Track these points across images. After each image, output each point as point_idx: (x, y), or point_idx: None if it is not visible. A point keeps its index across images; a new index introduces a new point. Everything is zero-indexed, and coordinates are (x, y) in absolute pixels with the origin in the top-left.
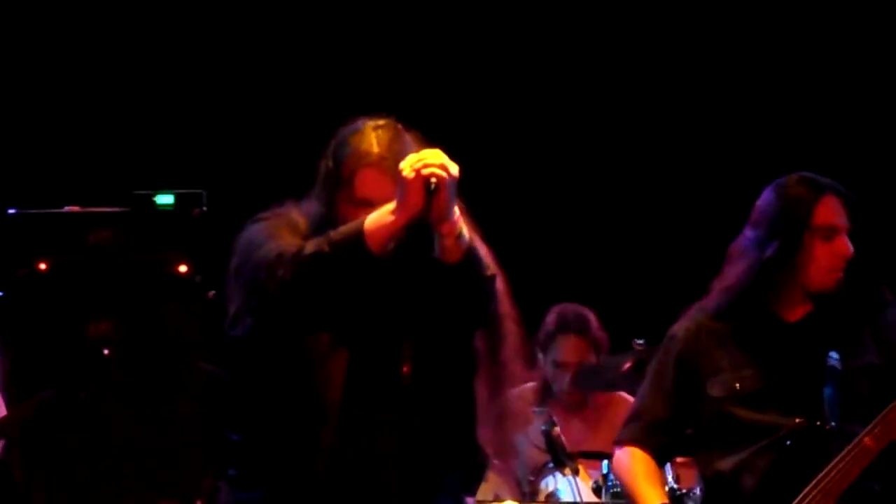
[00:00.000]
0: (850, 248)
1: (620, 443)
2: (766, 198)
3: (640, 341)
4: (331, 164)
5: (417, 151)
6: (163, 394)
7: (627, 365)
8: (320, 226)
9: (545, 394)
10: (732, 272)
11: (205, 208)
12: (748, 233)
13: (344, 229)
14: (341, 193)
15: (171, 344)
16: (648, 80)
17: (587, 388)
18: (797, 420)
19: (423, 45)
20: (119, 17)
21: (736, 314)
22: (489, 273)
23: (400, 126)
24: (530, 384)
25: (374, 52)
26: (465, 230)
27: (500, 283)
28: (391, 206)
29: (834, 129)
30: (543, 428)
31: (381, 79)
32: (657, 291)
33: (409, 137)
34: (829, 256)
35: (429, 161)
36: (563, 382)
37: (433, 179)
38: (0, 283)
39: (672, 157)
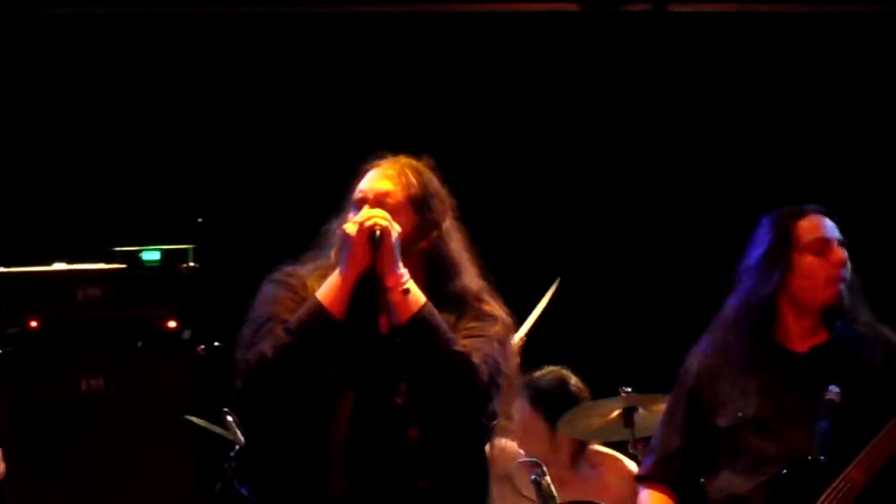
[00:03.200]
0: (844, 254)
1: (640, 479)
2: (756, 230)
3: (628, 389)
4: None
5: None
6: (154, 448)
7: (616, 412)
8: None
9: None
10: (735, 306)
11: (192, 264)
12: (744, 265)
13: (299, 314)
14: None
15: (161, 399)
16: (647, 126)
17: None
18: (793, 452)
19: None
20: (108, 71)
21: (743, 346)
22: (454, 347)
23: (406, 163)
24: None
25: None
26: (416, 290)
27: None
28: (337, 273)
29: (829, 162)
30: (533, 477)
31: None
32: (645, 339)
33: (410, 177)
34: (823, 268)
35: (371, 215)
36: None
37: (377, 230)
38: None
39: (664, 199)
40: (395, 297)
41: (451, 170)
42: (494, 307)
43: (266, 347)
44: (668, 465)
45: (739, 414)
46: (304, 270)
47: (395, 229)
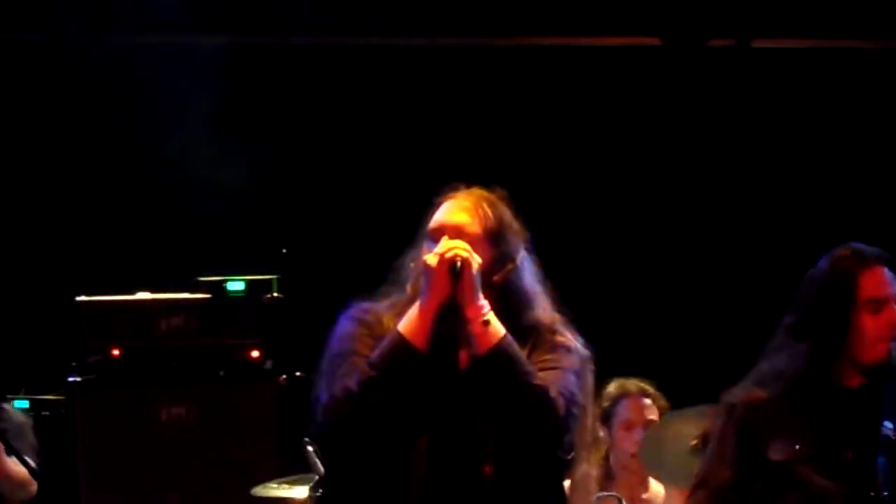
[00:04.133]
0: None
1: None
2: (815, 272)
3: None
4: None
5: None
6: (234, 479)
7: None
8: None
9: (607, 477)
10: (788, 349)
11: (276, 294)
12: (798, 307)
13: (382, 347)
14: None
15: (242, 428)
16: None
17: (652, 467)
18: (850, 487)
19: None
20: (197, 101)
21: (796, 382)
22: (534, 380)
23: (481, 195)
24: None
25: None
26: (496, 322)
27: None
28: (417, 305)
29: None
30: None
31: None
32: (714, 358)
33: (486, 209)
34: (877, 328)
35: (452, 246)
36: (632, 443)
37: (458, 261)
38: (74, 370)
39: (748, 232)
40: (476, 328)
41: (525, 202)
42: (569, 339)
43: (351, 382)
44: (723, 498)
45: (796, 447)
46: (380, 307)
47: (476, 260)
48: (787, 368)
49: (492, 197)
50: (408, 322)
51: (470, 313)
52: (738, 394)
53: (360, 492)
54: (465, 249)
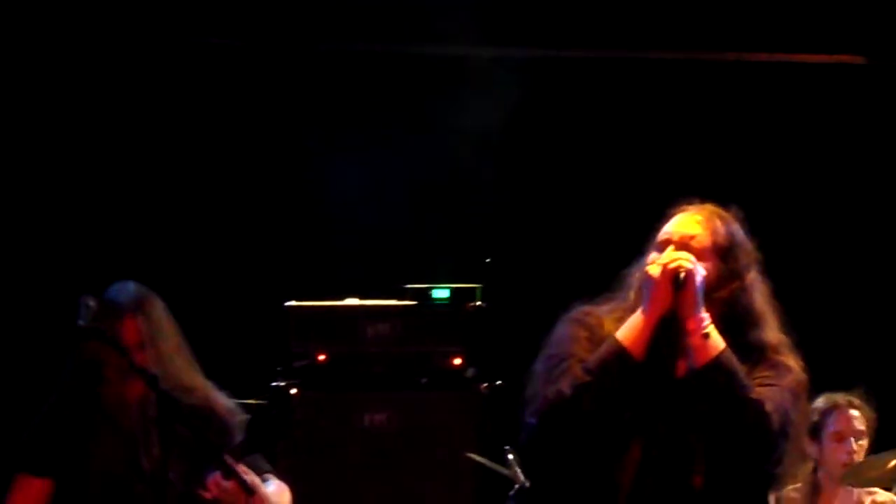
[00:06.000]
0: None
1: None
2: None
3: None
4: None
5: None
6: (434, 486)
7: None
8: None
9: (815, 491)
10: None
11: (479, 303)
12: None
13: (598, 353)
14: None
15: (442, 435)
16: None
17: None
18: None
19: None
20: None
21: None
22: (750, 394)
23: (713, 211)
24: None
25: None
26: (716, 335)
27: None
28: (637, 314)
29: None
30: None
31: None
32: None
33: (717, 224)
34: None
35: (676, 257)
36: (844, 453)
37: (681, 272)
38: (278, 374)
39: None
40: (695, 340)
41: (758, 222)
42: (790, 360)
43: (565, 386)
44: None
45: None
46: (601, 311)
47: (700, 273)
48: None
49: (726, 214)
50: (627, 330)
51: (690, 325)
52: None
53: (567, 499)
54: (689, 261)
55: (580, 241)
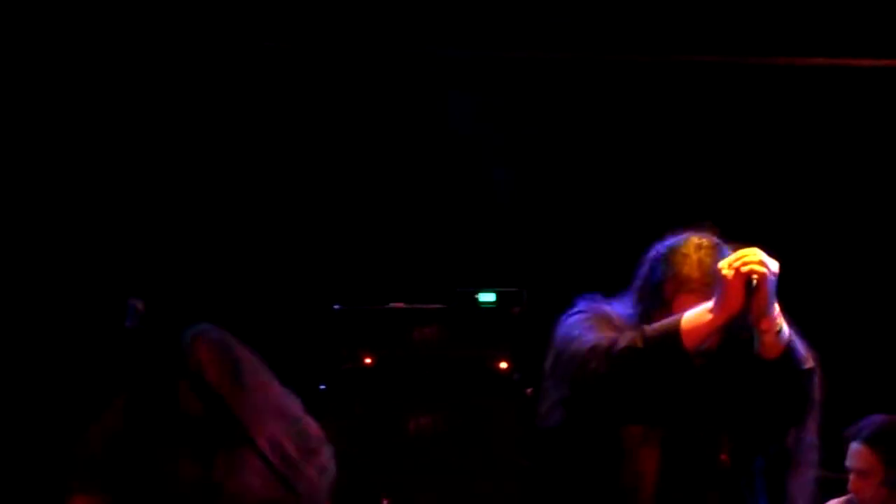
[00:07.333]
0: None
1: None
2: None
3: None
4: (651, 278)
5: None
6: (480, 490)
7: None
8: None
9: None
10: None
11: (526, 307)
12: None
13: (660, 326)
14: (658, 310)
15: (488, 439)
16: None
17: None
18: None
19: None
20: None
21: None
22: (808, 367)
23: (720, 242)
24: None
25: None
26: (785, 325)
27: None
28: (709, 304)
29: None
30: None
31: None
32: None
33: (728, 250)
34: None
35: (748, 259)
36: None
37: (754, 277)
38: (324, 376)
39: None
40: (768, 338)
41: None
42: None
43: (623, 340)
44: None
45: None
46: (611, 308)
47: (772, 272)
48: None
49: (719, 241)
50: (694, 317)
51: (763, 325)
52: None
53: (593, 475)
54: (760, 263)
55: (625, 245)
